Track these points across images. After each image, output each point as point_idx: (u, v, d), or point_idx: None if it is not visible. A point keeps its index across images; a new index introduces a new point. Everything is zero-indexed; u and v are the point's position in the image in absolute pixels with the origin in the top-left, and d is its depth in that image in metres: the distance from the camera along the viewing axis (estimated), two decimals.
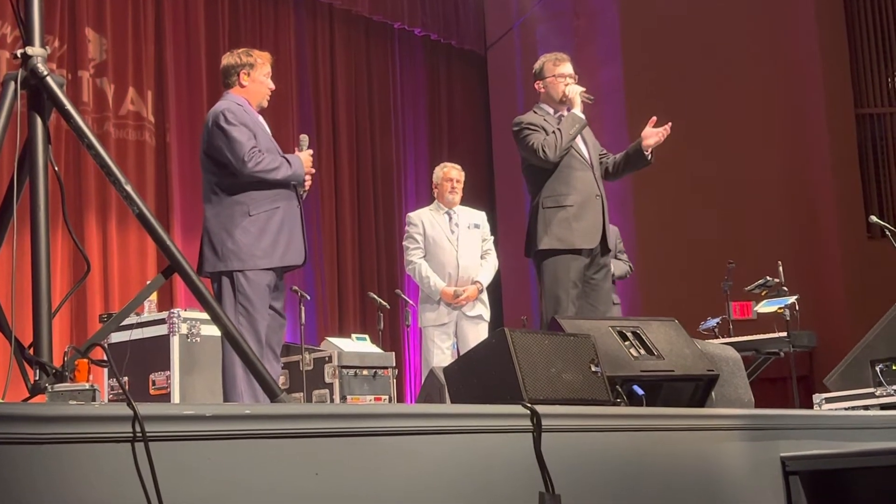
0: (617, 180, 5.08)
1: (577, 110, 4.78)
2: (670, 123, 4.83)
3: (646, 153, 4.83)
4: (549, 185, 4.73)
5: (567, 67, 4.90)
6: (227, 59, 4.50)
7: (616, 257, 6.83)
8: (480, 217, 6.24)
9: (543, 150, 4.67)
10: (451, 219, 6.10)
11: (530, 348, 2.72)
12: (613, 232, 6.87)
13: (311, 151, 4.47)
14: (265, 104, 4.54)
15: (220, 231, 4.23)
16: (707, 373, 3.40)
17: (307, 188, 4.49)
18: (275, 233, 4.27)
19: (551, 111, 4.87)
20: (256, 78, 4.45)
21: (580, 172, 4.76)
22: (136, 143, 8.26)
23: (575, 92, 4.80)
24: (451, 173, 6.16)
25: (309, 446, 1.87)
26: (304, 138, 4.62)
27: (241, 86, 4.44)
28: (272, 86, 4.54)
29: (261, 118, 4.50)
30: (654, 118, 4.86)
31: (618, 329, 3.30)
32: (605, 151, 5.00)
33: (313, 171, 4.44)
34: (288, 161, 4.31)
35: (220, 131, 4.25)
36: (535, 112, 4.87)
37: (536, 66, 4.96)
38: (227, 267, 4.19)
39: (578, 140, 4.79)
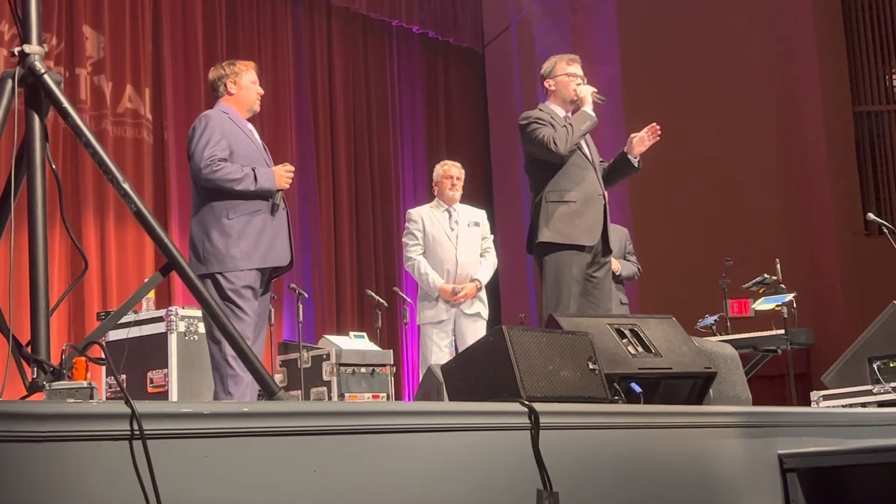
0: (608, 190, 5.05)
1: (588, 108, 4.80)
2: (657, 126, 4.84)
3: (632, 159, 4.84)
4: (553, 181, 4.74)
5: (578, 68, 4.93)
6: (213, 73, 4.60)
7: (625, 258, 6.82)
8: (480, 215, 6.23)
9: (554, 142, 4.67)
10: (450, 216, 6.09)
11: (528, 346, 2.72)
12: (623, 233, 6.88)
13: (291, 167, 4.45)
14: (257, 108, 4.62)
15: (201, 234, 4.27)
16: (704, 370, 3.40)
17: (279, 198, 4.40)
18: (255, 235, 4.27)
19: (560, 112, 4.87)
20: (243, 85, 4.54)
21: (584, 171, 4.78)
22: (134, 140, 8.26)
23: (586, 92, 4.84)
24: (451, 171, 6.16)
25: (307, 444, 1.87)
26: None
27: (230, 94, 4.53)
28: (261, 90, 4.61)
29: (249, 125, 4.54)
30: (655, 125, 4.85)
31: (615, 326, 3.30)
32: (602, 160, 5.01)
33: (286, 186, 4.38)
34: (255, 175, 4.28)
35: (191, 137, 4.35)
36: (541, 110, 4.87)
37: (548, 64, 4.97)
38: (207, 269, 4.20)
39: (582, 140, 4.80)
